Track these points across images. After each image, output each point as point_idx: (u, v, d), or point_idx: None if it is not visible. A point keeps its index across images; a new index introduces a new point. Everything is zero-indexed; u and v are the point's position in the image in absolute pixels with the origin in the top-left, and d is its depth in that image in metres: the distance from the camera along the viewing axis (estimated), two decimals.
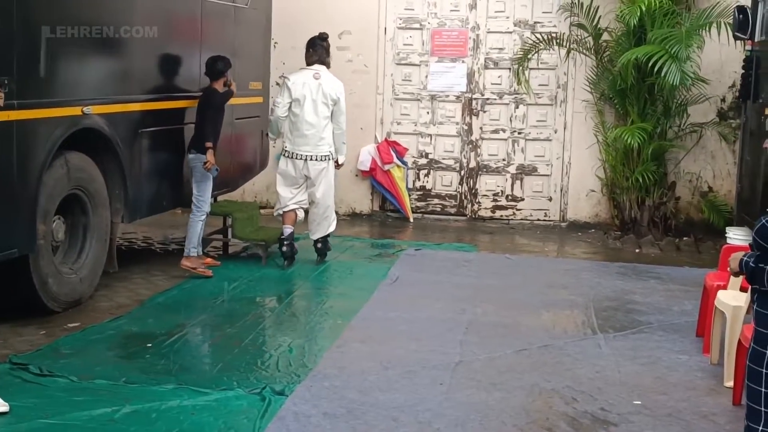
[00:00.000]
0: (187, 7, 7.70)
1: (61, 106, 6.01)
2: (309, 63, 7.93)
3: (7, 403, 4.53)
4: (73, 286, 6.35)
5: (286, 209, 7.93)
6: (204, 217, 7.42)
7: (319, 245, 8.15)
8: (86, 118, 6.26)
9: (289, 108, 7.78)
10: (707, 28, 9.06)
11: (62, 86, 6.08)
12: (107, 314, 6.32)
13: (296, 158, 7.82)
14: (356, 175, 10.43)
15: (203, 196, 7.37)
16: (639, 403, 4.99)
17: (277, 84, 10.06)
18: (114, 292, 6.90)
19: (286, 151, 7.89)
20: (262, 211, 9.21)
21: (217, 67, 7.37)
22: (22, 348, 5.50)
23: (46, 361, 5.22)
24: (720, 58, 9.69)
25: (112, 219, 6.79)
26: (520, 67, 9.97)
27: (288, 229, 7.88)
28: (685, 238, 9.72)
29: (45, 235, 5.95)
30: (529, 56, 9.97)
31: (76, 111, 6.14)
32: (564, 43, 9.96)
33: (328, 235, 8.16)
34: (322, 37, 8.00)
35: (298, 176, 7.87)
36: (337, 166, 8.10)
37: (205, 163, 7.18)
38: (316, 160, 7.82)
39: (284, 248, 7.87)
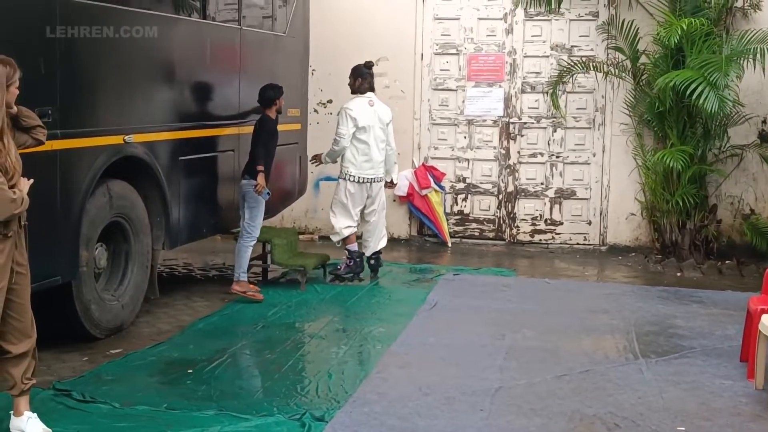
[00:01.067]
0: (226, 36, 7.80)
1: (104, 135, 6.10)
2: (360, 91, 8.33)
3: (50, 429, 4.57)
4: (115, 313, 6.41)
5: (349, 233, 8.33)
6: (253, 242, 7.55)
7: (373, 261, 8.54)
8: (128, 146, 6.35)
9: (353, 135, 8.18)
10: (747, 56, 8.91)
11: (104, 116, 6.18)
12: (149, 340, 6.38)
13: (363, 182, 8.28)
14: (394, 200, 10.45)
15: (254, 222, 7.46)
16: (683, 429, 4.92)
17: (315, 111, 10.16)
18: (155, 318, 6.96)
19: (351, 176, 8.26)
20: (300, 236, 9.25)
21: (267, 94, 7.50)
22: (66, 374, 5.57)
23: (89, 388, 5.27)
24: (760, 79, 9.58)
25: (153, 246, 6.87)
26: (554, 91, 9.96)
27: (356, 246, 8.42)
28: (727, 262, 9.59)
29: (87, 263, 6.03)
30: (564, 80, 9.96)
31: (118, 140, 6.22)
32: (600, 67, 9.93)
33: (380, 251, 8.60)
34: (369, 66, 8.46)
35: (363, 198, 8.34)
36: (392, 185, 8.78)
37: (255, 185, 7.26)
38: (377, 181, 8.40)
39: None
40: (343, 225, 8.33)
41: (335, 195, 8.43)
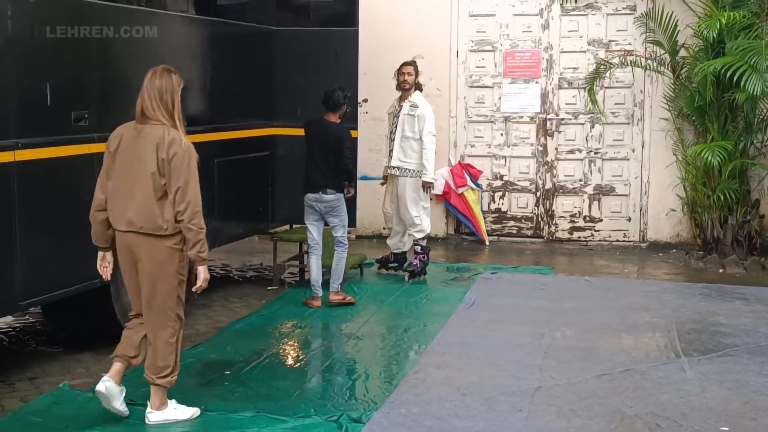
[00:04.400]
0: (262, 39, 7.82)
1: None
2: (419, 88, 8.38)
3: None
4: None
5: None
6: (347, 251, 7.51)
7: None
8: None
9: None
10: None
11: None
12: (187, 342, 6.37)
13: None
14: (431, 199, 10.38)
15: (346, 232, 7.46)
16: (726, 429, 4.84)
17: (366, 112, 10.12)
18: (193, 319, 6.99)
19: (432, 176, 8.32)
20: None
21: (336, 97, 7.26)
22: None
23: (128, 390, 5.28)
24: None
25: None
26: (592, 87, 9.86)
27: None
28: None
29: None
30: (602, 75, 9.86)
31: None
32: (638, 61, 9.81)
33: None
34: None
35: None
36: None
37: (345, 194, 7.33)
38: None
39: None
40: (427, 223, 8.40)
41: (416, 196, 8.27)
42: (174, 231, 4.62)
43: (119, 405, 4.80)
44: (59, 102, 5.43)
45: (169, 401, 4.87)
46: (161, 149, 4.56)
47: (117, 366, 4.81)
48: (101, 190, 4.75)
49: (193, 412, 4.91)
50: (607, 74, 9.95)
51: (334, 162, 7.24)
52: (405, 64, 8.38)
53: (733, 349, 6.26)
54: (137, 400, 5.10)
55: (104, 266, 4.88)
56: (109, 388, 4.74)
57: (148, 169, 4.58)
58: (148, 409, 4.83)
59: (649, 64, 9.83)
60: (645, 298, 7.82)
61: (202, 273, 4.75)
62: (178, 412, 4.86)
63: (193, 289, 4.78)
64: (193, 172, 4.60)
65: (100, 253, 4.87)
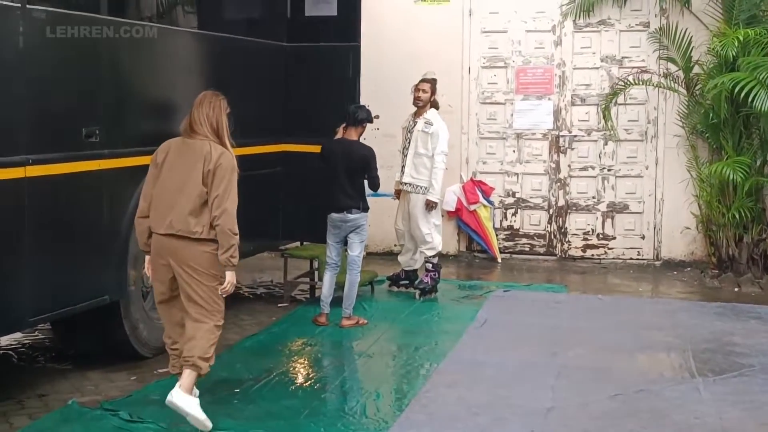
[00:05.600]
0: (272, 55, 7.85)
1: (150, 154, 6.13)
2: (436, 106, 8.42)
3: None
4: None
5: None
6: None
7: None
8: None
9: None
10: None
11: (150, 134, 6.24)
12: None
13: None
14: (442, 216, 10.38)
15: (362, 254, 7.44)
16: None
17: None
18: None
19: (438, 196, 8.37)
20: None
21: (361, 115, 7.33)
22: (113, 394, 5.61)
23: (137, 407, 5.29)
24: None
25: None
26: (607, 107, 9.86)
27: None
28: None
29: (136, 281, 6.07)
30: (618, 95, 9.86)
31: None
32: (652, 80, 9.80)
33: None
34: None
35: None
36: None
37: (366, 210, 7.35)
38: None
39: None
40: (439, 241, 8.38)
41: (428, 215, 8.28)
42: (209, 236, 4.95)
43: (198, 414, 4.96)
44: (70, 118, 5.46)
45: (195, 391, 5.05)
46: (208, 162, 4.95)
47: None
48: (145, 199, 5.12)
49: (208, 425, 4.99)
50: (622, 93, 9.94)
51: (359, 182, 7.27)
52: (422, 80, 8.40)
53: (749, 369, 6.21)
54: (146, 417, 5.10)
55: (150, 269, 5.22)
56: (178, 397, 4.95)
57: (193, 179, 4.96)
58: (176, 388, 4.97)
59: (662, 82, 9.82)
60: (659, 317, 7.77)
61: (229, 277, 5.01)
62: (198, 407, 4.97)
63: (219, 292, 5.03)
64: (234, 183, 4.99)
65: (147, 257, 5.21)
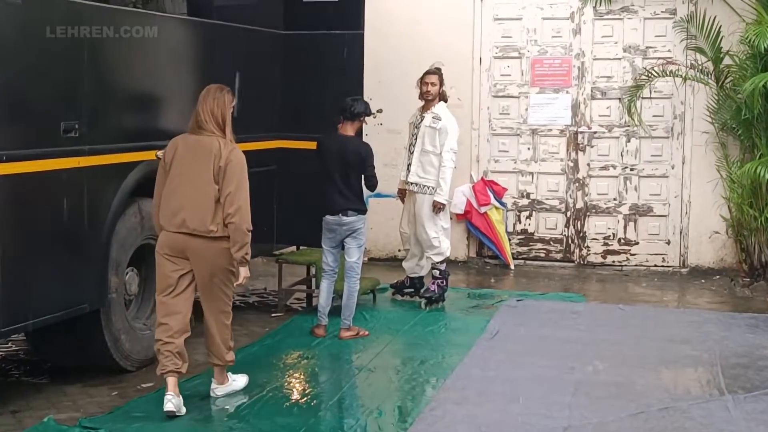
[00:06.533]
0: (265, 45, 7.85)
1: (134, 150, 6.16)
2: (444, 99, 8.40)
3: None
4: (147, 343, 6.42)
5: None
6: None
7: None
8: (160, 162, 6.39)
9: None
10: None
11: (135, 130, 6.24)
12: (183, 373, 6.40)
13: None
14: (450, 218, 10.39)
15: (360, 259, 7.44)
16: None
17: (365, 122, 10.15)
18: (190, 348, 6.88)
19: (447, 200, 8.36)
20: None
21: (358, 108, 7.30)
22: (93, 410, 5.60)
23: (118, 425, 5.30)
24: None
25: None
26: (632, 102, 9.85)
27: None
28: None
29: (117, 289, 6.08)
30: (643, 89, 9.85)
31: (149, 155, 6.27)
32: (679, 71, 9.79)
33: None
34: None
35: None
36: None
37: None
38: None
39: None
40: (447, 246, 8.39)
41: (435, 218, 8.27)
42: (224, 234, 5.44)
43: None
44: (47, 111, 5.46)
45: (228, 375, 5.89)
46: (218, 158, 5.39)
47: (172, 380, 5.50)
48: (156, 197, 5.58)
49: (246, 379, 5.99)
50: (647, 85, 9.92)
51: (356, 181, 7.25)
52: (428, 72, 8.38)
53: None
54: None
55: None
56: (177, 404, 5.45)
57: (203, 176, 5.39)
58: (213, 385, 5.82)
59: (690, 74, 9.81)
60: (685, 329, 7.77)
61: (243, 272, 5.53)
62: (237, 383, 5.92)
63: (234, 285, 5.64)
64: (245, 179, 5.48)
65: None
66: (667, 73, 9.86)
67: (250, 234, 5.47)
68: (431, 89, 8.28)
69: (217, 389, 5.83)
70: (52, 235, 5.51)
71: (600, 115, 10.37)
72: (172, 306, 5.50)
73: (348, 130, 7.29)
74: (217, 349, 5.72)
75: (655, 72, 9.86)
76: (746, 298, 9.11)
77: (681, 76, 9.84)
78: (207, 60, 7.04)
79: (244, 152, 5.61)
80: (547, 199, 10.53)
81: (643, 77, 9.94)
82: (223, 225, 5.42)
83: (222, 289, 5.61)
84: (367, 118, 7.52)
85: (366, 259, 8.43)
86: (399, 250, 9.85)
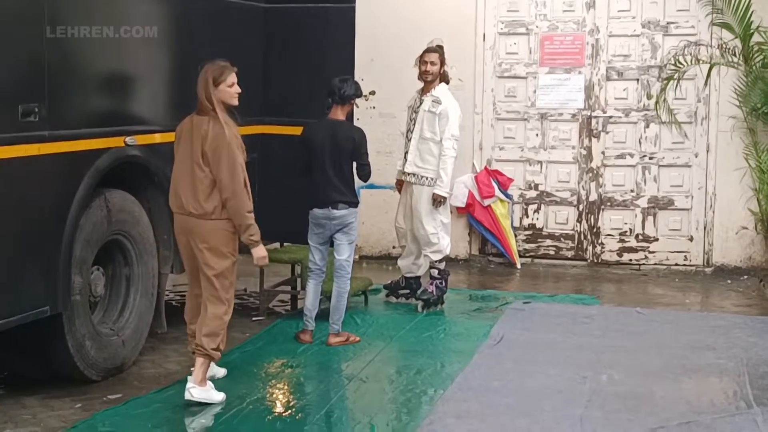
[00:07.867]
0: (245, 20, 7.86)
1: (101, 136, 6.15)
2: (446, 80, 8.41)
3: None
4: (115, 350, 6.46)
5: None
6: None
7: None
8: (130, 150, 6.40)
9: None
10: None
11: (102, 113, 6.24)
12: (154, 383, 6.41)
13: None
14: (451, 213, 10.41)
15: (351, 257, 7.43)
16: None
17: (356, 105, 10.16)
18: (162, 356, 7.00)
19: (449, 192, 8.37)
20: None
21: (347, 91, 7.27)
22: (54, 425, 5.60)
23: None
24: None
25: (159, 269, 6.92)
26: (664, 92, 9.87)
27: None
28: None
29: (81, 290, 6.08)
30: (671, 81, 9.89)
31: (117, 142, 6.28)
32: (711, 59, 9.78)
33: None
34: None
35: None
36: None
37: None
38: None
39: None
40: (446, 243, 8.40)
41: (434, 212, 8.27)
42: (222, 216, 5.86)
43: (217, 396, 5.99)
44: (3, 93, 5.44)
45: (208, 381, 6.01)
46: (205, 142, 5.80)
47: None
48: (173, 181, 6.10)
49: (222, 397, 6.00)
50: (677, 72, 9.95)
51: (348, 171, 7.25)
52: (427, 50, 8.34)
53: None
54: None
55: None
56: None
57: (196, 159, 5.83)
58: (190, 384, 5.91)
59: (716, 54, 9.82)
60: (710, 334, 7.80)
61: (256, 253, 6.01)
62: (214, 395, 5.98)
63: (254, 264, 6.14)
64: (235, 159, 5.81)
65: None
66: (698, 60, 9.85)
67: (251, 215, 5.88)
68: (431, 69, 8.27)
69: (194, 389, 5.92)
70: (8, 230, 5.49)
71: (616, 98, 10.40)
72: (191, 294, 6.24)
73: (338, 114, 7.29)
74: (201, 333, 5.97)
75: (685, 62, 9.85)
76: None
77: (712, 63, 9.82)
78: (182, 36, 7.03)
79: None
80: (557, 190, 10.57)
81: (671, 66, 9.93)
82: (221, 207, 5.85)
83: (210, 266, 5.90)
84: (357, 101, 7.53)
85: (357, 257, 8.45)
86: (394, 248, 9.88)
